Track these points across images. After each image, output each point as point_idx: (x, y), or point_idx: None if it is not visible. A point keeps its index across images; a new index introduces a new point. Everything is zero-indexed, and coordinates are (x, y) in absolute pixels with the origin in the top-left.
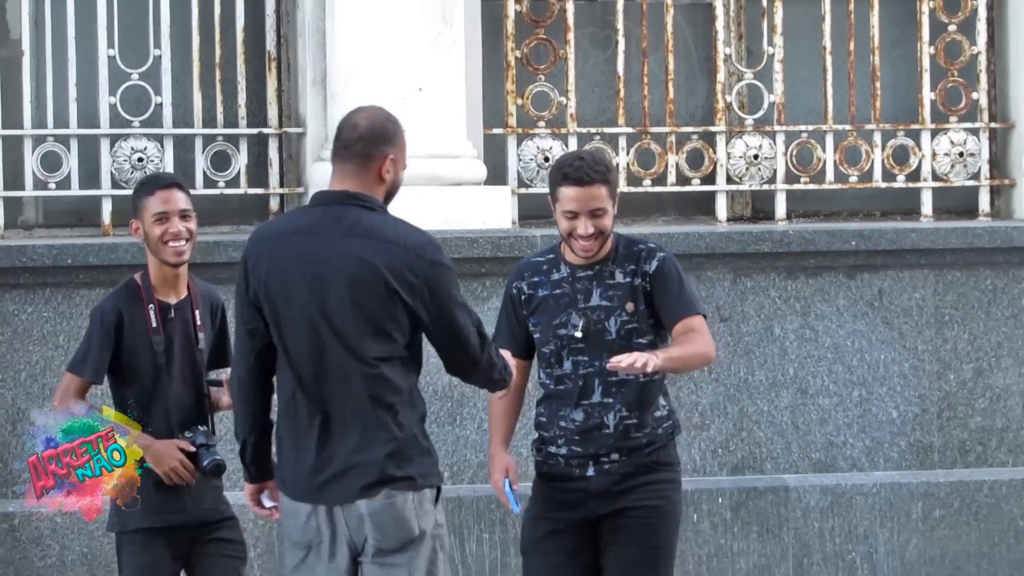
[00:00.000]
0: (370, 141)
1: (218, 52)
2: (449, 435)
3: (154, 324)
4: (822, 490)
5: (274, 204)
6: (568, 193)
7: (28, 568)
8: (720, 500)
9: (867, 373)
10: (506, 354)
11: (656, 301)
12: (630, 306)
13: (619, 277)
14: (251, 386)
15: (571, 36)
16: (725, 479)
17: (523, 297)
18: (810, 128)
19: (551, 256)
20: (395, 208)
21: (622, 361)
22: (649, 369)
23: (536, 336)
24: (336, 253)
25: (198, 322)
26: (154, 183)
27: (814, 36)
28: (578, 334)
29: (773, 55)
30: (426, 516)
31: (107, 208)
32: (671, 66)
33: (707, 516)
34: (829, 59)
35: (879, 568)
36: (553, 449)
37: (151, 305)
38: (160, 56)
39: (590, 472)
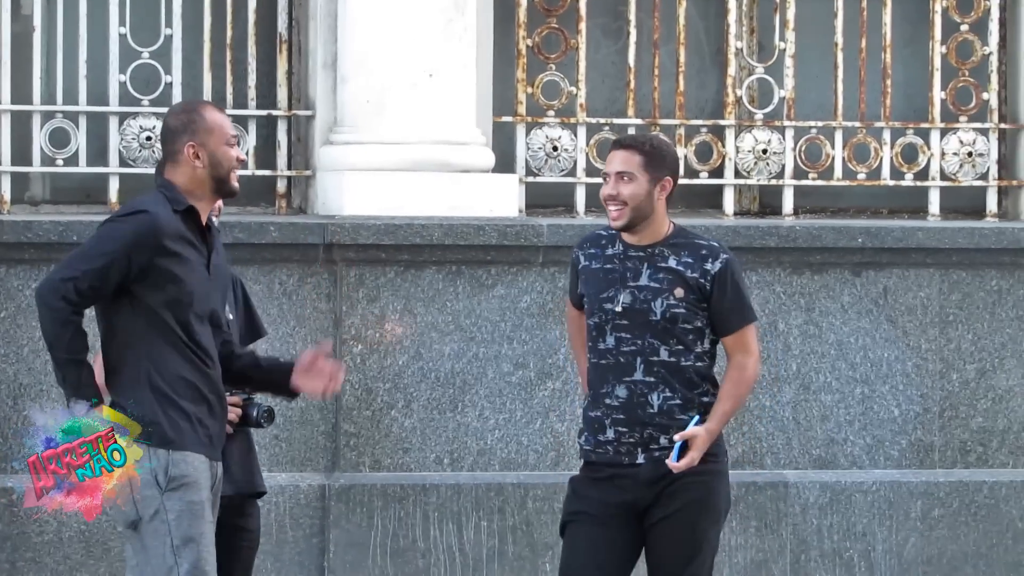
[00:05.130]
0: (169, 138)
1: (229, 32)
2: (450, 422)
3: None
4: (821, 486)
5: (281, 186)
6: (608, 156)
7: (25, 543)
8: None
9: (870, 371)
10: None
11: (712, 304)
12: (679, 291)
13: (672, 263)
14: None
15: (583, 26)
16: None
17: (579, 266)
18: (820, 124)
19: (612, 232)
20: (404, 191)
21: (680, 463)
22: (695, 462)
23: (585, 307)
24: None
25: None
26: None
27: (826, 32)
28: (618, 309)
29: (784, 50)
30: (143, 502)
31: (114, 186)
32: (682, 58)
33: None
34: (841, 56)
35: (876, 566)
36: (602, 437)
37: None
38: (171, 35)
39: (640, 459)
